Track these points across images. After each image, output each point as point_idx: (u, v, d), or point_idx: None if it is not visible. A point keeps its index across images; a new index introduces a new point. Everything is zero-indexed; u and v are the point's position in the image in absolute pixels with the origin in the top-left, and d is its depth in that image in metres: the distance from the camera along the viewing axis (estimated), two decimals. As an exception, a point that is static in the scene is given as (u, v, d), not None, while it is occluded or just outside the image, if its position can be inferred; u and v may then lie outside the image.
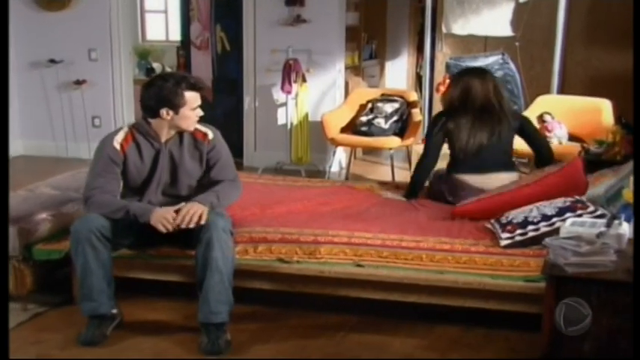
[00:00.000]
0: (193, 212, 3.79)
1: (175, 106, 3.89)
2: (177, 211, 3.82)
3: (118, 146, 3.96)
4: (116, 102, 8.71)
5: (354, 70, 8.94)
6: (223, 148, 4.14)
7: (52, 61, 8.56)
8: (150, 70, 11.52)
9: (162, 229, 3.78)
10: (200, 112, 3.99)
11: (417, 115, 7.46)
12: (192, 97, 3.94)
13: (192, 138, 4.06)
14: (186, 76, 4.03)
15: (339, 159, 8.11)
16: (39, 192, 4.85)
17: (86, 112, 8.67)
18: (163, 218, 3.79)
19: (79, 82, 8.56)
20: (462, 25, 7.90)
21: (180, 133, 4.03)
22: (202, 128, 4.08)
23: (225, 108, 8.62)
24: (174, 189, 4.08)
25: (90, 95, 8.62)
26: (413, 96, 7.80)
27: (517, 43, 7.62)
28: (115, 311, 3.88)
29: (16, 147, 8.88)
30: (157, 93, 3.90)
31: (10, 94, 8.69)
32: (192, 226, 3.77)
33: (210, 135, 4.09)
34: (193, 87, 3.95)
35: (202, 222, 3.78)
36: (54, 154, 8.75)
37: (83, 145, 8.66)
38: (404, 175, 7.35)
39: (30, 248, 4.15)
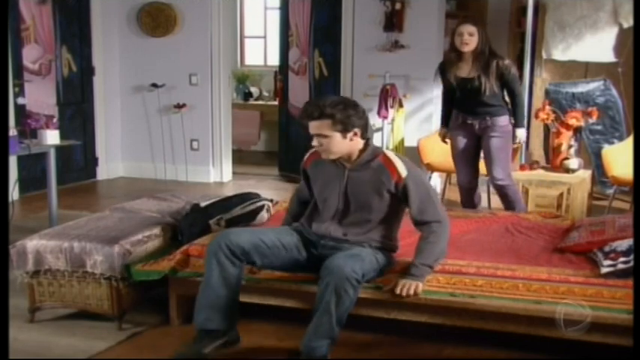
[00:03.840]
0: (408, 289, 3.81)
1: None
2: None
3: (305, 158, 4.12)
4: (214, 125, 8.86)
5: (451, 95, 8.86)
6: (418, 185, 3.92)
7: (154, 85, 8.77)
8: (248, 95, 11.69)
9: None
10: (315, 142, 3.87)
11: (514, 141, 7.33)
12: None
13: (379, 168, 3.93)
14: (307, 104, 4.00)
15: (434, 184, 8.04)
16: (138, 213, 4.93)
17: (185, 135, 8.85)
18: None
19: (179, 106, 8.74)
20: (562, 51, 7.79)
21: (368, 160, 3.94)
22: (396, 163, 3.90)
23: (322, 132, 8.66)
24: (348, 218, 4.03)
25: (189, 119, 8.80)
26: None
27: (620, 69, 7.45)
28: (227, 331, 3.87)
29: (116, 168, 9.12)
30: None
31: (113, 117, 8.97)
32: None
33: (403, 173, 3.88)
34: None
35: (419, 293, 3.81)
36: (153, 176, 8.94)
37: (181, 168, 8.84)
38: (499, 202, 7.23)
39: (129, 268, 4.21)
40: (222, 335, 3.84)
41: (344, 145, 3.84)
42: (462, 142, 6.16)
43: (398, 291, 3.80)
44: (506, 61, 5.91)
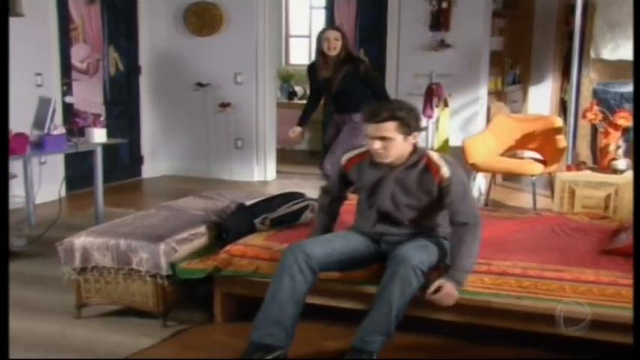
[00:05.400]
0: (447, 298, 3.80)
1: None
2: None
3: (344, 162, 4.15)
4: (259, 124, 8.89)
5: (496, 95, 8.81)
6: (458, 186, 3.91)
7: (200, 84, 8.81)
8: (292, 94, 11.71)
9: None
10: (377, 145, 3.83)
11: (561, 141, 7.27)
12: (367, 128, 3.88)
13: (424, 169, 3.93)
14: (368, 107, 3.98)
15: (478, 185, 7.99)
16: (184, 211, 4.95)
17: (229, 134, 8.88)
18: None
19: (224, 105, 8.77)
20: (611, 50, 7.68)
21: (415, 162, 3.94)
22: (439, 164, 3.90)
23: (366, 132, 8.65)
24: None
25: (234, 117, 8.83)
26: (557, 122, 7.62)
27: (670, 69, 7.31)
28: (283, 347, 3.74)
29: (161, 167, 9.18)
30: None
31: (158, 115, 9.03)
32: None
33: (446, 174, 3.87)
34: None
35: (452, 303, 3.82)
36: (197, 174, 8.99)
37: (225, 166, 8.88)
38: (545, 203, 7.18)
39: (174, 266, 4.24)
40: (277, 350, 3.72)
41: (403, 147, 3.86)
42: (329, 134, 6.79)
43: (445, 302, 3.80)
44: (364, 65, 6.55)
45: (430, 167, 3.90)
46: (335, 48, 6.36)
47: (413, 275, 3.70)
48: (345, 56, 6.43)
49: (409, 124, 3.81)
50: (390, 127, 3.77)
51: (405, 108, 3.85)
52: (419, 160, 3.93)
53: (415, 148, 3.94)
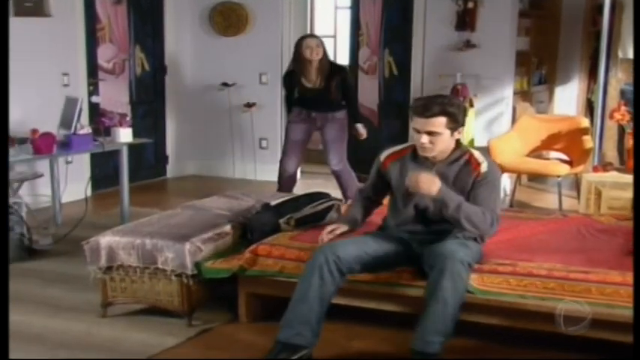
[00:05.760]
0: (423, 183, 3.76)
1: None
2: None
3: (382, 159, 4.14)
4: (283, 124, 8.86)
5: (522, 95, 8.76)
6: (490, 183, 3.98)
7: (225, 84, 8.83)
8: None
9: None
10: (424, 139, 3.84)
11: (587, 141, 7.22)
12: (415, 122, 3.90)
13: (465, 164, 3.97)
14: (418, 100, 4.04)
15: (504, 185, 7.94)
16: (208, 211, 4.96)
17: (254, 134, 8.89)
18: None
19: (249, 105, 8.79)
20: (639, 50, 7.61)
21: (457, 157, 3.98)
22: (480, 159, 3.96)
23: (391, 132, 8.62)
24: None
25: (258, 117, 8.84)
26: (584, 122, 7.56)
27: (698, 69, 7.24)
28: (308, 347, 3.74)
29: (186, 166, 9.21)
30: None
31: (184, 115, 9.06)
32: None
33: (484, 168, 3.94)
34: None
35: (424, 192, 3.78)
36: (221, 174, 9.01)
37: (250, 166, 8.89)
38: (571, 204, 7.13)
39: (199, 266, 4.24)
40: (303, 349, 3.71)
41: (449, 142, 3.90)
42: (300, 133, 7.02)
43: (421, 181, 3.76)
44: (345, 72, 7.12)
45: (471, 162, 3.95)
46: (317, 54, 6.70)
47: (462, 269, 3.70)
48: (328, 63, 6.86)
49: (458, 119, 3.86)
50: (439, 122, 3.81)
51: (454, 103, 3.92)
52: (461, 156, 3.96)
53: (458, 144, 3.98)
